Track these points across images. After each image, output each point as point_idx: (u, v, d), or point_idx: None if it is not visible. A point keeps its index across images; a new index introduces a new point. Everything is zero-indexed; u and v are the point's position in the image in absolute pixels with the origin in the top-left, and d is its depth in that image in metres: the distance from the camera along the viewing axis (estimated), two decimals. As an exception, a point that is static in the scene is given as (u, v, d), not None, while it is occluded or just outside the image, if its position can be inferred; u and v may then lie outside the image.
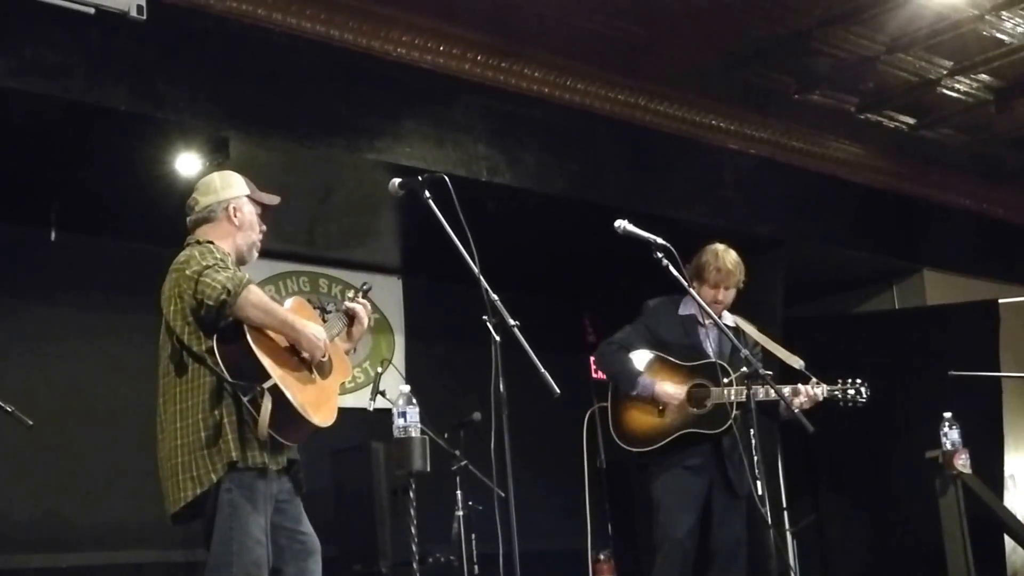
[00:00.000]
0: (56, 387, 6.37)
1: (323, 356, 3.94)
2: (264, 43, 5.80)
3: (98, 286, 6.73)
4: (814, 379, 5.17)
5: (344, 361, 4.16)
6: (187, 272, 3.75)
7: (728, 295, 5.36)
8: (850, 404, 5.18)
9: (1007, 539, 7.27)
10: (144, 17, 5.09)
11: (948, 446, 6.25)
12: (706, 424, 5.20)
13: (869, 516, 8.37)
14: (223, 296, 3.63)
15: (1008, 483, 8.17)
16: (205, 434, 3.69)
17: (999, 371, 7.98)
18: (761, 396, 5.00)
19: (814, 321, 8.74)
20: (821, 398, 5.14)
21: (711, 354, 5.32)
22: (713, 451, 5.23)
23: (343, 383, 4.13)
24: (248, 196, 4.07)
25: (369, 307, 4.31)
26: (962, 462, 6.25)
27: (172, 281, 3.82)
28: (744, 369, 4.89)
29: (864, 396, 5.17)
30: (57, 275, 6.57)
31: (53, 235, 6.57)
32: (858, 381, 5.18)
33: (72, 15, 4.98)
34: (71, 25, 5.05)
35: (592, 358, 5.54)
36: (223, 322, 3.70)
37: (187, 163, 5.90)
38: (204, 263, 3.73)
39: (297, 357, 3.87)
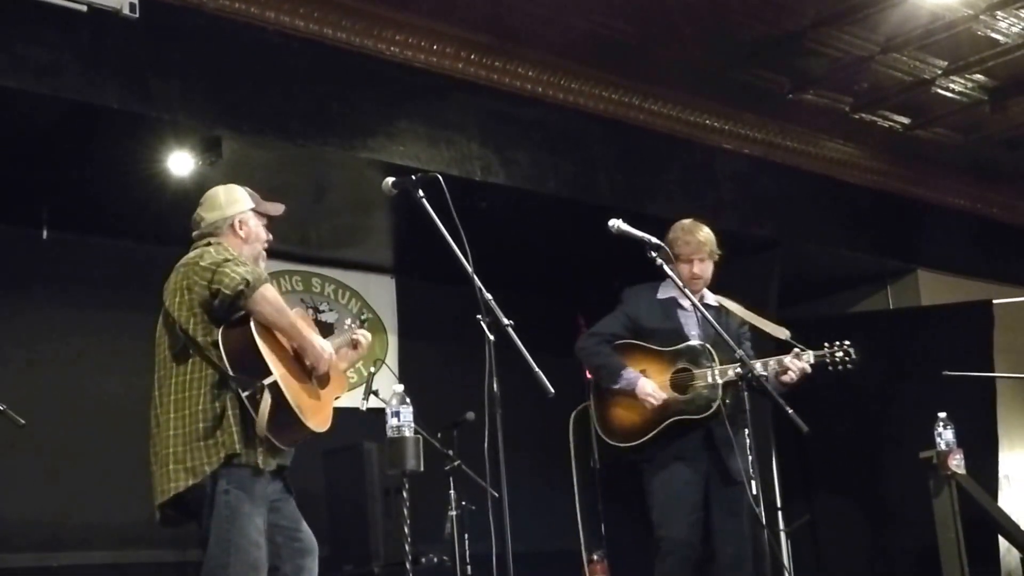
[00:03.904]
0: (48, 386, 6.35)
1: (326, 368, 3.96)
2: (257, 42, 5.78)
3: (90, 285, 6.71)
4: (798, 348, 5.02)
5: (341, 376, 4.18)
6: (201, 264, 3.78)
7: (705, 268, 5.20)
8: (840, 367, 5.00)
9: (1001, 540, 7.28)
10: (137, 15, 5.08)
11: (942, 446, 6.25)
12: (693, 409, 5.05)
13: (864, 516, 8.37)
14: (240, 287, 3.67)
15: (1002, 483, 8.17)
16: (204, 425, 3.68)
17: (993, 371, 7.98)
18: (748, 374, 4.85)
19: (808, 322, 8.73)
20: (810, 368, 4.97)
21: (693, 337, 5.18)
22: (704, 439, 5.08)
23: (337, 396, 4.13)
24: (252, 209, 4.10)
25: (370, 337, 4.39)
26: (956, 462, 6.24)
27: (181, 275, 3.85)
28: (739, 369, 4.83)
29: (853, 356, 4.98)
30: (49, 274, 6.56)
31: (45, 234, 6.56)
32: (846, 343, 5.01)
33: (64, 13, 4.96)
34: (63, 23, 5.03)
35: (576, 350, 5.39)
36: (234, 314, 3.72)
37: (179, 162, 5.88)
38: (221, 257, 3.79)
39: (299, 364, 3.88)
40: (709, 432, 5.08)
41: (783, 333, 5.20)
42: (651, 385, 5.14)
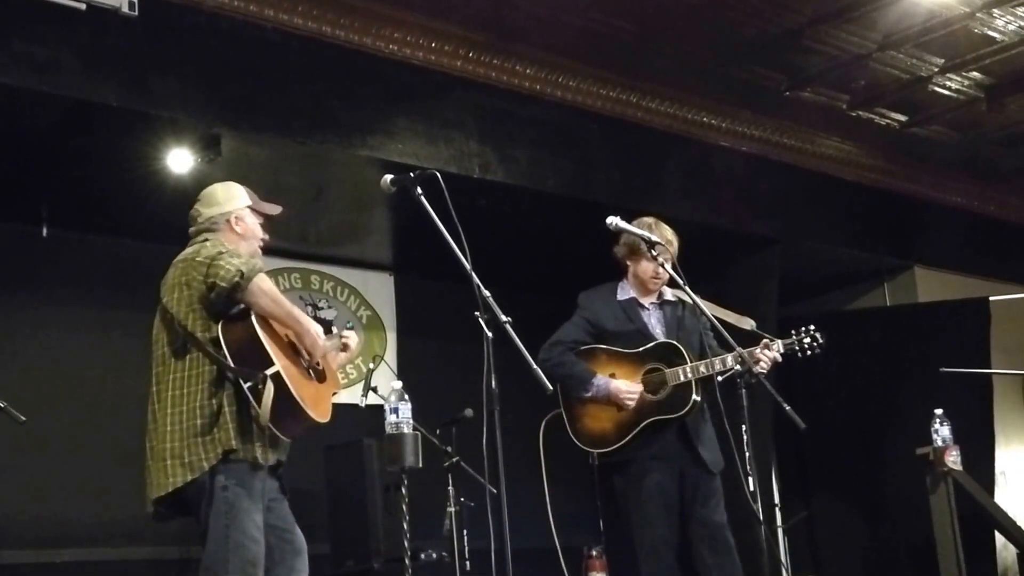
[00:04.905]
0: (48, 383, 6.36)
1: (321, 356, 3.97)
2: (256, 39, 5.80)
3: (90, 282, 6.73)
4: (766, 338, 4.93)
5: (336, 375, 4.19)
6: (198, 259, 3.81)
7: (666, 267, 5.00)
8: (808, 353, 4.93)
9: (998, 535, 7.29)
10: (136, 13, 5.09)
11: (939, 443, 6.26)
12: (667, 409, 4.91)
13: (861, 513, 8.39)
14: (236, 278, 3.69)
15: (999, 480, 8.19)
16: (202, 421, 3.70)
17: (990, 368, 8.00)
18: (718, 367, 4.81)
19: (806, 319, 8.72)
20: (779, 356, 4.89)
21: (659, 335, 5.05)
22: (679, 435, 4.96)
23: (335, 392, 4.15)
24: (250, 207, 4.12)
25: (357, 338, 4.39)
26: (953, 459, 6.26)
27: (178, 271, 3.87)
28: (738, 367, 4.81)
29: (820, 341, 4.93)
30: (49, 272, 6.57)
31: (45, 231, 6.58)
32: (811, 328, 4.94)
33: (63, 11, 4.97)
34: (62, 21, 5.04)
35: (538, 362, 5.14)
36: (232, 308, 3.74)
37: (179, 159, 5.89)
38: (216, 250, 3.81)
39: (297, 356, 3.90)
40: (683, 426, 4.98)
41: (748, 324, 5.16)
42: (625, 383, 4.99)
